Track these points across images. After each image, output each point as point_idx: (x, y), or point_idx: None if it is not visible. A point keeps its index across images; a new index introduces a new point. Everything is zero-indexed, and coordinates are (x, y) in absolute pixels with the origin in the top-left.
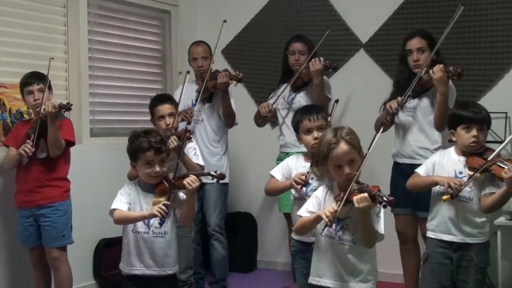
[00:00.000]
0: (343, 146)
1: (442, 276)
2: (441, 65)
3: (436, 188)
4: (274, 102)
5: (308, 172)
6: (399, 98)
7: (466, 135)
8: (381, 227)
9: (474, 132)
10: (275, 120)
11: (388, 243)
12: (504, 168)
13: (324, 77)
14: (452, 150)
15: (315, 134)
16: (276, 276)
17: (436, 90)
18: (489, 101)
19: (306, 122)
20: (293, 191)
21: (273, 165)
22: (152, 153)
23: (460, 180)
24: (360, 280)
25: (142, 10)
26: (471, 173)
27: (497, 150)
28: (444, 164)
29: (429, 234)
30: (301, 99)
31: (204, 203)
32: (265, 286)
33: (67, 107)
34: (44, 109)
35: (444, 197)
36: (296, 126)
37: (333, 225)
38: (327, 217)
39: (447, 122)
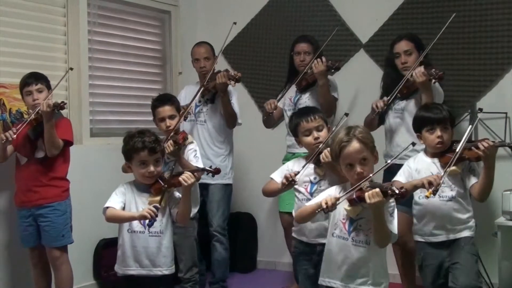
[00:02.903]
0: (355, 144)
1: (438, 276)
2: (422, 69)
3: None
4: (279, 100)
5: (298, 172)
6: (385, 98)
7: (431, 137)
8: (394, 226)
9: (438, 132)
10: (280, 121)
11: None
12: (473, 149)
13: (330, 76)
14: (421, 154)
15: (315, 134)
16: (276, 276)
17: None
18: (489, 101)
19: (304, 123)
20: (296, 193)
21: (275, 165)
22: (146, 153)
23: (437, 175)
24: (372, 283)
25: (142, 10)
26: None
27: (462, 140)
28: (419, 169)
29: (418, 238)
30: (307, 100)
31: (207, 204)
32: (265, 287)
33: (61, 106)
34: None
35: (427, 193)
36: (294, 129)
37: (346, 226)
38: (325, 203)
39: (413, 127)
